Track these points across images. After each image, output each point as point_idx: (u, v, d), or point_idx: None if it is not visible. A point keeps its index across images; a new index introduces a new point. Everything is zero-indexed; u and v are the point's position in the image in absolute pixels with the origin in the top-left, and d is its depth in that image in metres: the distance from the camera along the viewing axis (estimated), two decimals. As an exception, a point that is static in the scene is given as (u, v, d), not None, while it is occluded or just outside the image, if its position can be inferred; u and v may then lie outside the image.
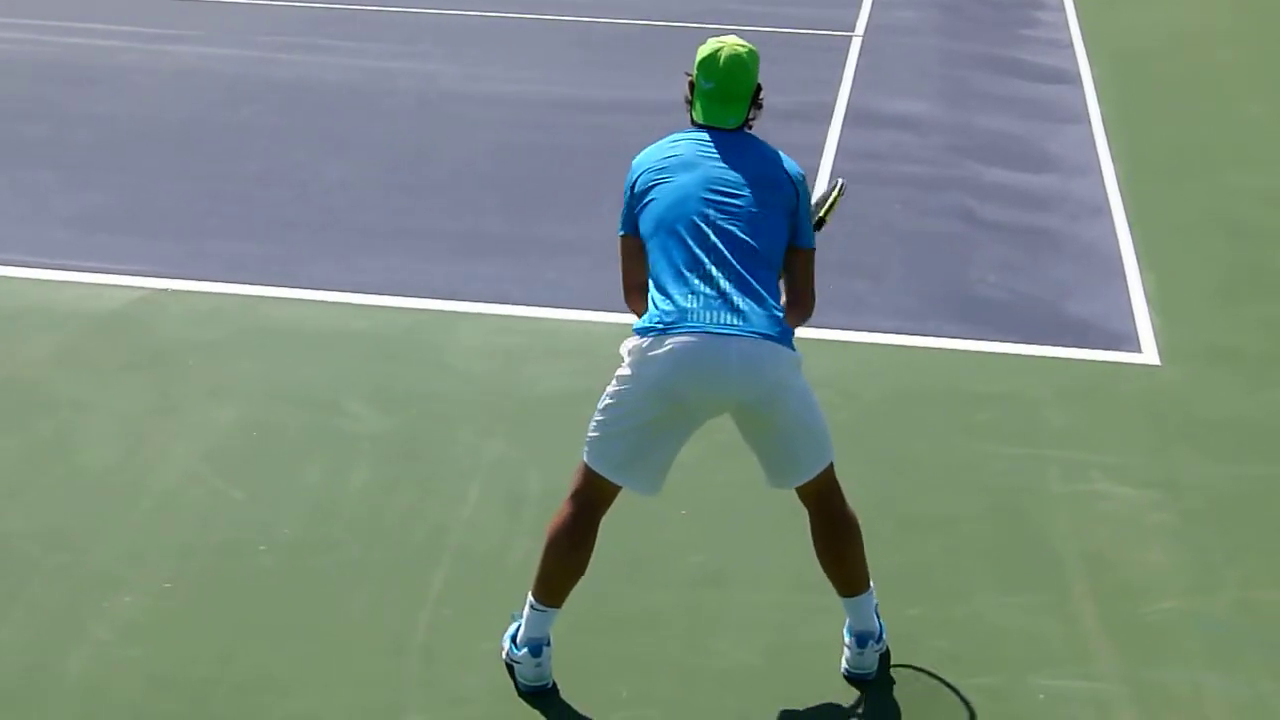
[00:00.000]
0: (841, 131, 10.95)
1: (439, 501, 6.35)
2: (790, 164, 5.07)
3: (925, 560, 5.99)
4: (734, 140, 5.05)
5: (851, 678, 5.27)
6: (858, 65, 12.66)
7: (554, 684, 5.21)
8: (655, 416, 4.91)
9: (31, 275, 8.43)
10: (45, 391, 7.24)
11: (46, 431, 6.86)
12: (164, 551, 5.97)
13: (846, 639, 5.30)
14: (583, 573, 5.12)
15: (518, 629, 5.29)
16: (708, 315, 4.79)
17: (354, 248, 8.93)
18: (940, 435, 6.97)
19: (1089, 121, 11.48)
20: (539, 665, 5.19)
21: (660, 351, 4.81)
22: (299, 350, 7.67)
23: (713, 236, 4.88)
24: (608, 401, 5.00)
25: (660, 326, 4.82)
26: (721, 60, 5.02)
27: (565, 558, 5.09)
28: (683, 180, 4.98)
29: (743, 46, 5.06)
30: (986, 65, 12.84)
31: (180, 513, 6.24)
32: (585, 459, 5.03)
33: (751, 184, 4.95)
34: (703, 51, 5.07)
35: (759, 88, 5.06)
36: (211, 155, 10.37)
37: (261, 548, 5.99)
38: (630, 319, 5.03)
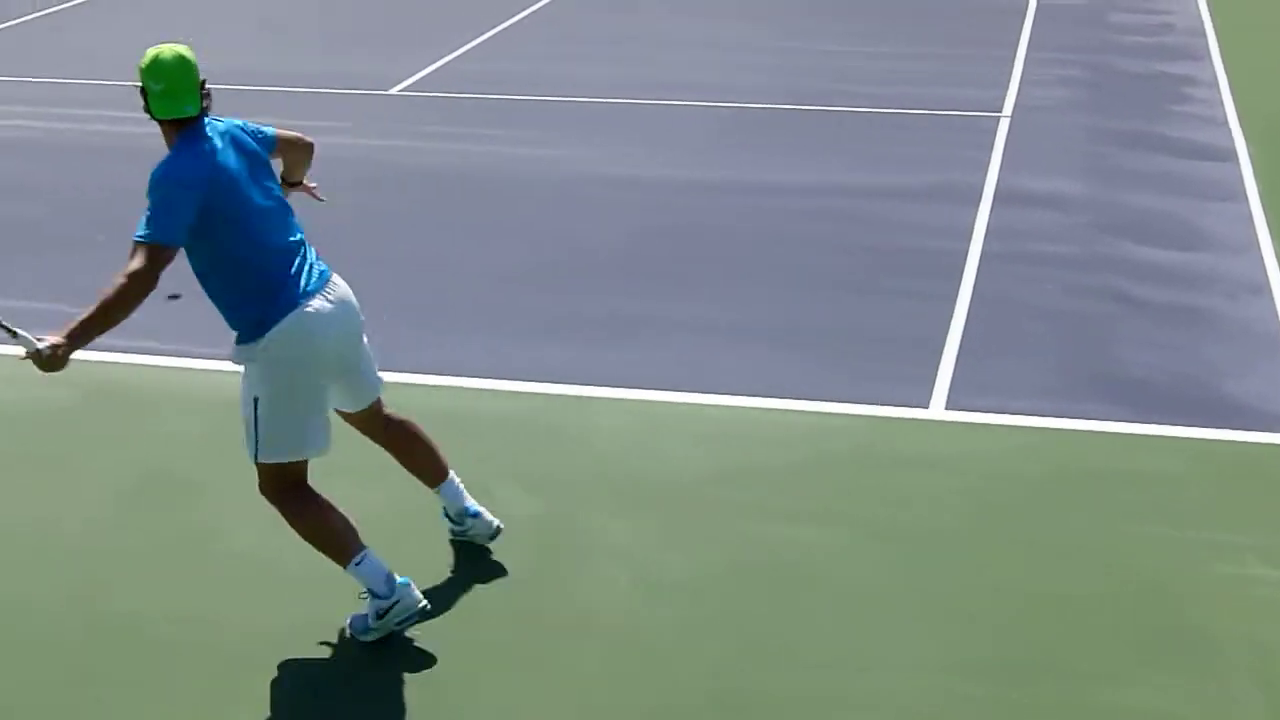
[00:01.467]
0: (991, 212, 10.82)
1: (585, 584, 6.32)
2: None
3: (1075, 641, 5.85)
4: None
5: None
6: (1006, 145, 12.53)
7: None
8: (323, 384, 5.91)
9: (172, 362, 8.57)
10: (187, 476, 7.33)
11: (192, 516, 6.94)
12: (290, 633, 6.01)
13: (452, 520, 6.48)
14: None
15: (379, 608, 5.85)
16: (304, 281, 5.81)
17: (497, 333, 8.96)
18: (1092, 516, 6.82)
19: (1246, 198, 11.25)
20: (408, 591, 5.85)
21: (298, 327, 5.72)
22: (448, 434, 7.66)
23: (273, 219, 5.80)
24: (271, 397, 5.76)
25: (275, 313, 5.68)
26: (167, 61, 5.71)
27: (332, 517, 5.91)
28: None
29: (181, 47, 5.80)
30: (1137, 142, 12.66)
31: (309, 594, 6.24)
32: (271, 459, 5.83)
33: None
34: (144, 62, 5.70)
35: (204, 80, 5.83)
36: (361, 245, 10.48)
37: (416, 632, 6.00)
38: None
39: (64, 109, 14.11)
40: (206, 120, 5.83)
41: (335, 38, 17.25)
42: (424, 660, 5.85)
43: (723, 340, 8.85)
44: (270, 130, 6.20)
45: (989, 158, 12.20)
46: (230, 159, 5.78)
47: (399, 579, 5.88)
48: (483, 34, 16.89)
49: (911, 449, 7.54)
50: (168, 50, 5.77)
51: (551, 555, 6.57)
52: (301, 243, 5.95)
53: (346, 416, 6.32)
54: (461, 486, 6.52)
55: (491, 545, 6.58)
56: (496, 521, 6.54)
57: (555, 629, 6.04)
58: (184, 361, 8.58)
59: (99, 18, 18.57)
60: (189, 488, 7.21)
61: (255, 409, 5.84)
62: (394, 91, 14.57)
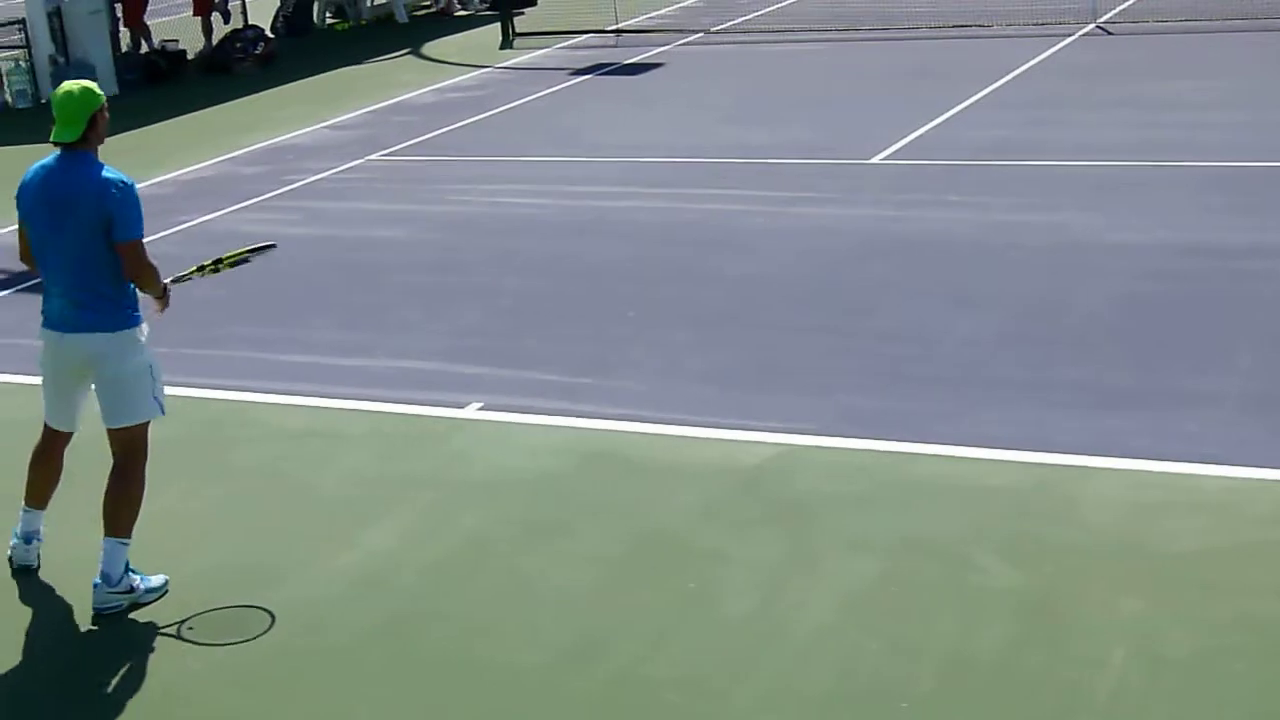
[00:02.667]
0: None
1: (1074, 661, 6.19)
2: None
3: None
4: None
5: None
6: None
7: None
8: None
9: (675, 431, 8.78)
10: (689, 543, 7.50)
11: (690, 581, 7.10)
12: (803, 701, 6.06)
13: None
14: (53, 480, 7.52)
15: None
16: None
17: (983, 402, 8.88)
18: None
19: None
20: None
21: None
22: (931, 504, 7.67)
23: None
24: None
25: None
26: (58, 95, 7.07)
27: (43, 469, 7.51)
28: None
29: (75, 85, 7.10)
30: None
31: (818, 663, 6.32)
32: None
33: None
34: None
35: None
36: (842, 313, 10.57)
37: (903, 704, 5.99)
38: None
39: (551, 185, 14.73)
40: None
41: (812, 112, 17.47)
42: (916, 731, 5.83)
43: (1217, 410, 8.53)
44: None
45: None
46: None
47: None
48: (959, 104, 16.83)
49: None
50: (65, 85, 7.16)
51: (1035, 628, 6.46)
52: None
53: None
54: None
55: (969, 617, 6.52)
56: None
57: (1041, 699, 5.93)
58: (676, 430, 8.79)
59: (581, 101, 19.32)
60: (685, 553, 7.39)
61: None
62: (875, 161, 14.66)
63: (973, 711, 5.91)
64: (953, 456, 8.18)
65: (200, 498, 8.40)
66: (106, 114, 7.14)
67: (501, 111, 18.67)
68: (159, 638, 6.92)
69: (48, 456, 7.54)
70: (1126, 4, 22.01)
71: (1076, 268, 11.04)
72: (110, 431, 7.23)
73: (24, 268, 7.57)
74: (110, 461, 7.27)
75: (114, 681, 6.62)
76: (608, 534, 7.65)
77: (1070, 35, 20.33)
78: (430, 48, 24.21)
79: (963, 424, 8.57)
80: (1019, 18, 21.47)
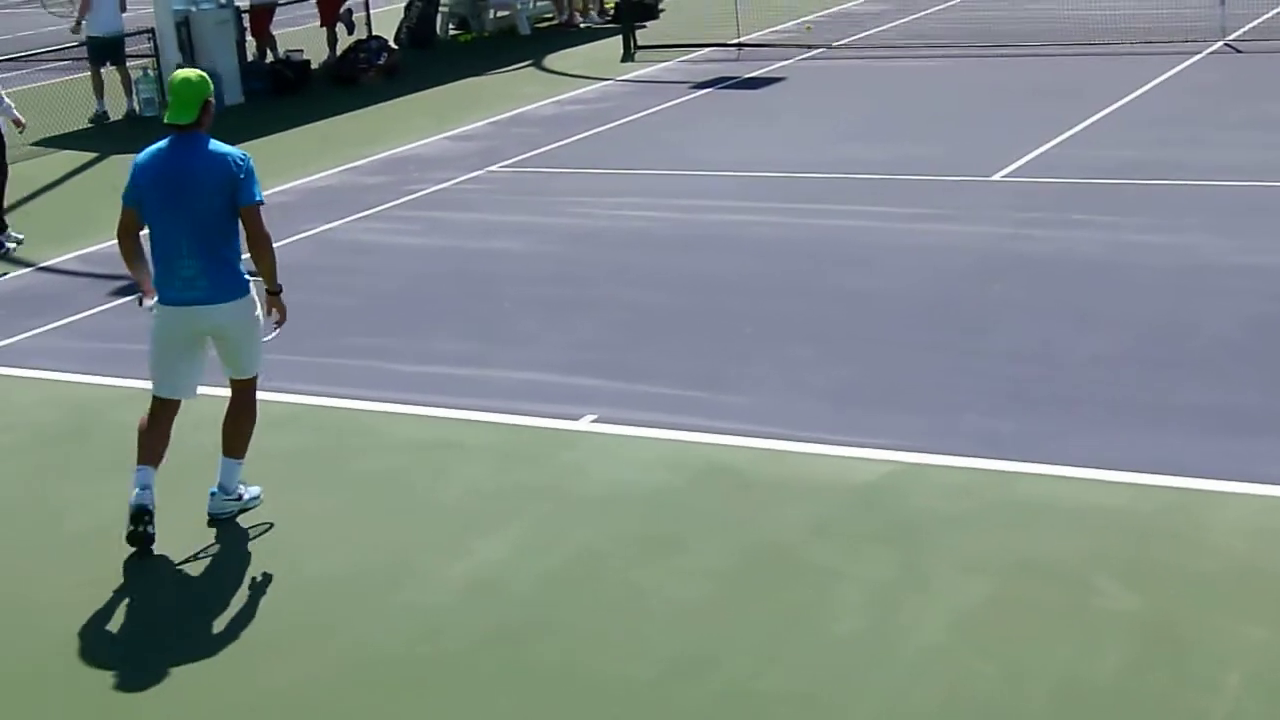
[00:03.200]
0: None
1: (1195, 688, 6.10)
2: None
3: None
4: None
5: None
6: None
7: None
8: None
9: (789, 447, 8.75)
10: (801, 559, 7.48)
11: (802, 597, 7.08)
12: (913, 722, 6.03)
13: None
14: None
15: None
16: None
17: (1105, 423, 8.77)
18: None
19: None
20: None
21: None
22: (1050, 526, 7.58)
23: None
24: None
25: None
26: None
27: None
28: None
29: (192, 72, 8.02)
30: None
31: (929, 684, 6.28)
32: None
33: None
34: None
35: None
36: (961, 331, 10.48)
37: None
38: None
39: (669, 199, 14.74)
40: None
41: (934, 128, 17.36)
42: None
43: (1348, 435, 8.38)
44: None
45: None
46: None
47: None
48: (1083, 121, 16.65)
49: None
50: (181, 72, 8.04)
51: (1153, 653, 6.37)
52: None
53: None
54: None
55: (1086, 638, 6.46)
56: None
57: (1168, 731, 5.86)
58: (790, 445, 8.76)
59: (701, 116, 19.32)
60: (797, 569, 7.36)
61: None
62: (996, 178, 14.54)
63: (1089, 737, 5.84)
64: (1071, 478, 8.08)
65: (321, 505, 8.49)
66: (213, 101, 7.98)
67: (621, 124, 18.72)
68: (283, 637, 7.02)
69: (161, 429, 8.11)
70: (1256, 21, 21.68)
71: (1204, 289, 10.88)
72: (235, 380, 8.21)
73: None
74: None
75: (227, 681, 6.71)
76: (720, 548, 7.63)
77: (1198, 53, 20.06)
78: (552, 60, 24.33)
79: (1083, 445, 8.46)
80: (1145, 34, 21.21)
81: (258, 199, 7.90)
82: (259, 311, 8.12)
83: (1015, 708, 6.07)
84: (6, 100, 15.13)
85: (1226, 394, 9.05)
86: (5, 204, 14.77)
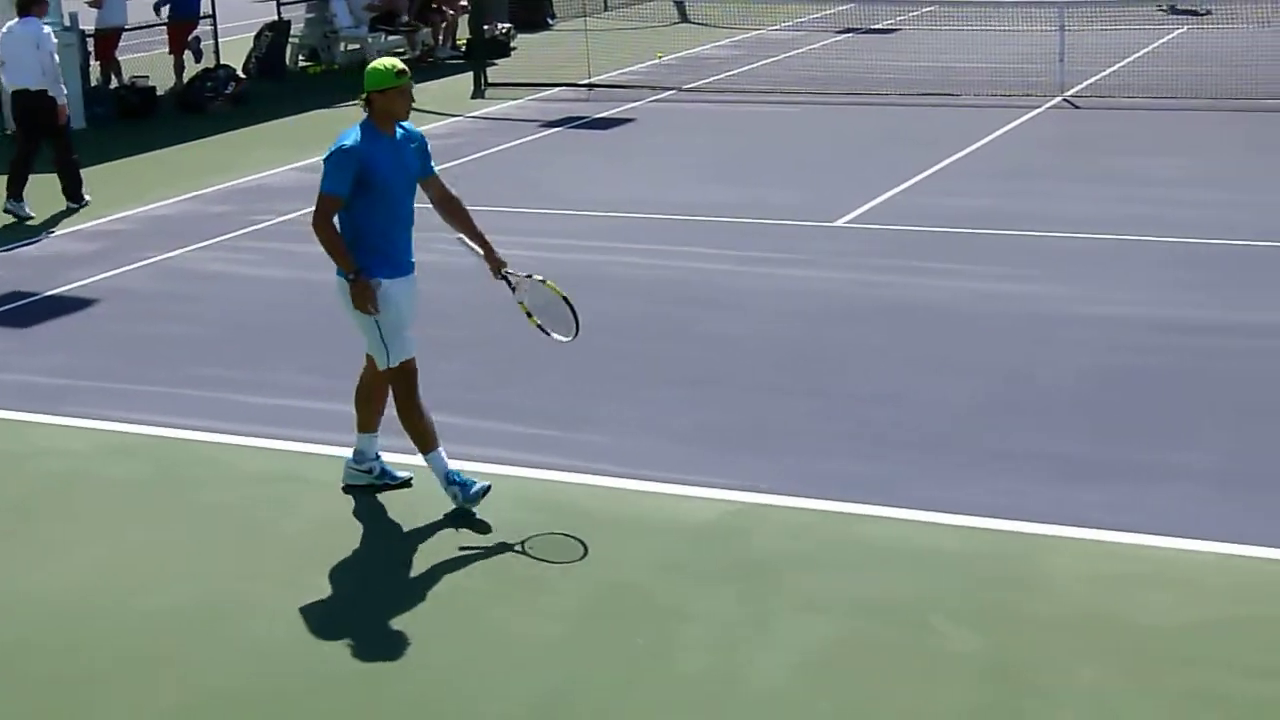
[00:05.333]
0: None
1: (1032, 728, 6.21)
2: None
3: None
4: None
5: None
6: None
7: None
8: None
9: (641, 487, 8.78)
10: (649, 598, 7.50)
11: (649, 637, 7.09)
12: (756, 762, 6.06)
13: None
14: None
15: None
16: None
17: (947, 468, 8.91)
18: None
19: None
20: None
21: None
22: (892, 568, 7.68)
23: None
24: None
25: None
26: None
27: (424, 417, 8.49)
28: None
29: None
30: None
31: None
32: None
33: None
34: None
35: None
36: (812, 375, 10.59)
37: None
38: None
39: (522, 236, 14.72)
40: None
41: (782, 172, 17.56)
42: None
43: (1184, 483, 8.59)
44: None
45: None
46: None
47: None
48: (926, 170, 16.92)
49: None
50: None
51: (992, 695, 6.48)
52: None
53: None
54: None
55: (925, 680, 6.54)
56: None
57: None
58: (645, 485, 8.79)
59: (553, 154, 19.36)
60: (645, 609, 7.38)
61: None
62: (839, 223, 14.72)
63: (929, 777, 5.91)
64: (915, 521, 8.20)
65: (162, 536, 8.37)
66: (384, 95, 8.34)
67: (472, 160, 18.68)
68: (118, 670, 6.89)
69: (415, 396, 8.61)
70: (1093, 79, 22.22)
71: (1048, 339, 11.10)
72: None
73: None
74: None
75: (57, 716, 6.57)
76: (570, 587, 7.64)
77: (1038, 107, 20.50)
78: (402, 94, 24.22)
79: (928, 489, 8.59)
80: (987, 88, 21.65)
81: (321, 189, 8.23)
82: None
83: (857, 748, 6.13)
84: None
85: (1064, 442, 9.24)
86: None
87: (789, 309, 12.10)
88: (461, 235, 8.65)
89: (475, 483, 8.40)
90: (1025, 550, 7.84)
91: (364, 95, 8.36)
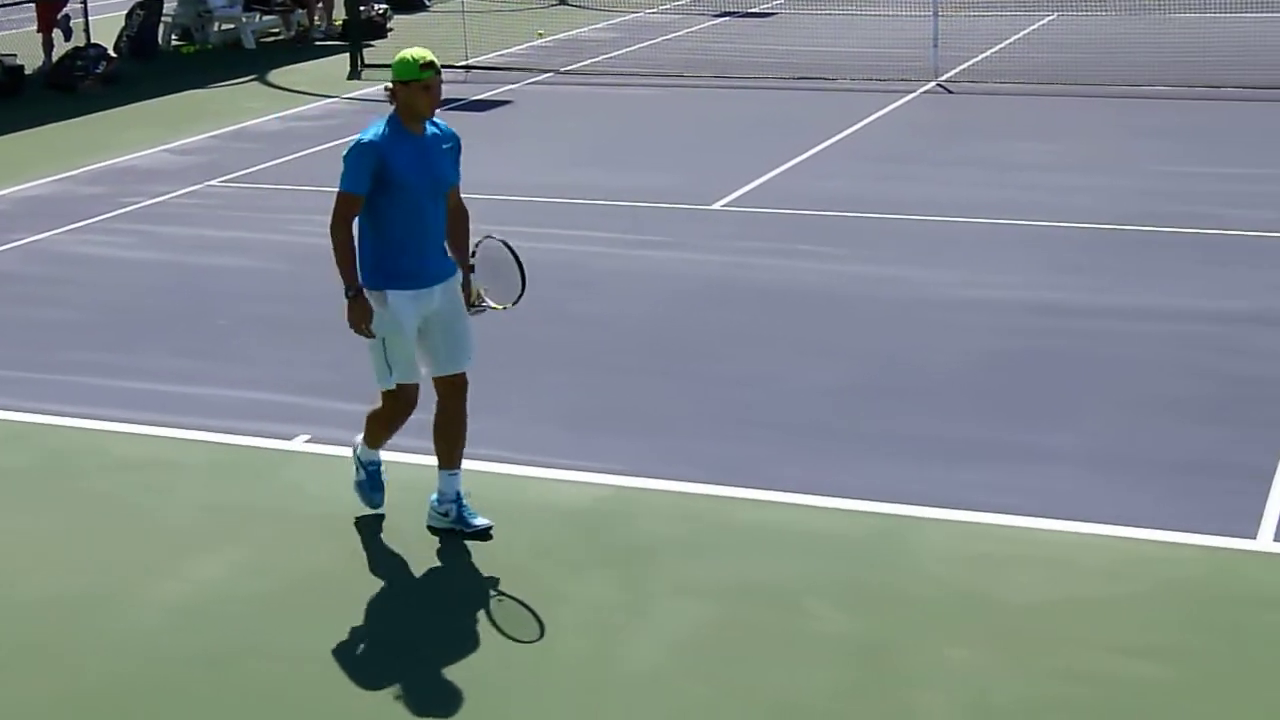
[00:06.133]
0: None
1: (902, 708, 6.28)
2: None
3: None
4: None
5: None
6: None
7: None
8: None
9: (513, 470, 8.78)
10: (524, 582, 7.50)
11: (524, 620, 7.09)
12: (632, 745, 6.09)
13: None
14: None
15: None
16: None
17: (824, 450, 8.99)
18: None
19: None
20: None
21: None
22: (767, 550, 7.74)
23: None
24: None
25: None
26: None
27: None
28: None
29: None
30: None
31: (647, 707, 6.35)
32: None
33: None
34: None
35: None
36: (688, 357, 10.63)
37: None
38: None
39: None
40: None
41: (658, 156, 17.58)
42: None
43: (1057, 465, 8.72)
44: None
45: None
46: None
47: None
48: (801, 154, 17.00)
49: (1244, 583, 7.34)
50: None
51: (865, 675, 6.55)
52: None
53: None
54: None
55: (800, 661, 6.62)
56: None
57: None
58: (514, 469, 8.79)
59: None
60: (519, 593, 7.39)
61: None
62: (716, 207, 14.77)
63: (802, 757, 5.97)
64: (792, 504, 8.26)
65: (34, 524, 8.26)
66: (405, 88, 7.66)
67: (348, 141, 18.51)
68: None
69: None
70: (967, 64, 22.43)
71: (921, 322, 11.21)
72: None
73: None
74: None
75: None
76: (441, 572, 7.62)
77: (912, 92, 20.66)
78: (277, 75, 23.99)
79: (805, 472, 8.66)
80: (862, 72, 21.79)
81: (338, 187, 7.66)
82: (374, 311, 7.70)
83: (732, 729, 6.17)
84: None
85: (940, 424, 9.34)
86: None
87: (665, 292, 12.13)
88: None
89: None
90: (900, 532, 7.92)
91: (389, 85, 7.75)
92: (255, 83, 23.54)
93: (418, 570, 7.64)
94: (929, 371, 10.24)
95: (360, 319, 7.59)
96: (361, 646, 6.92)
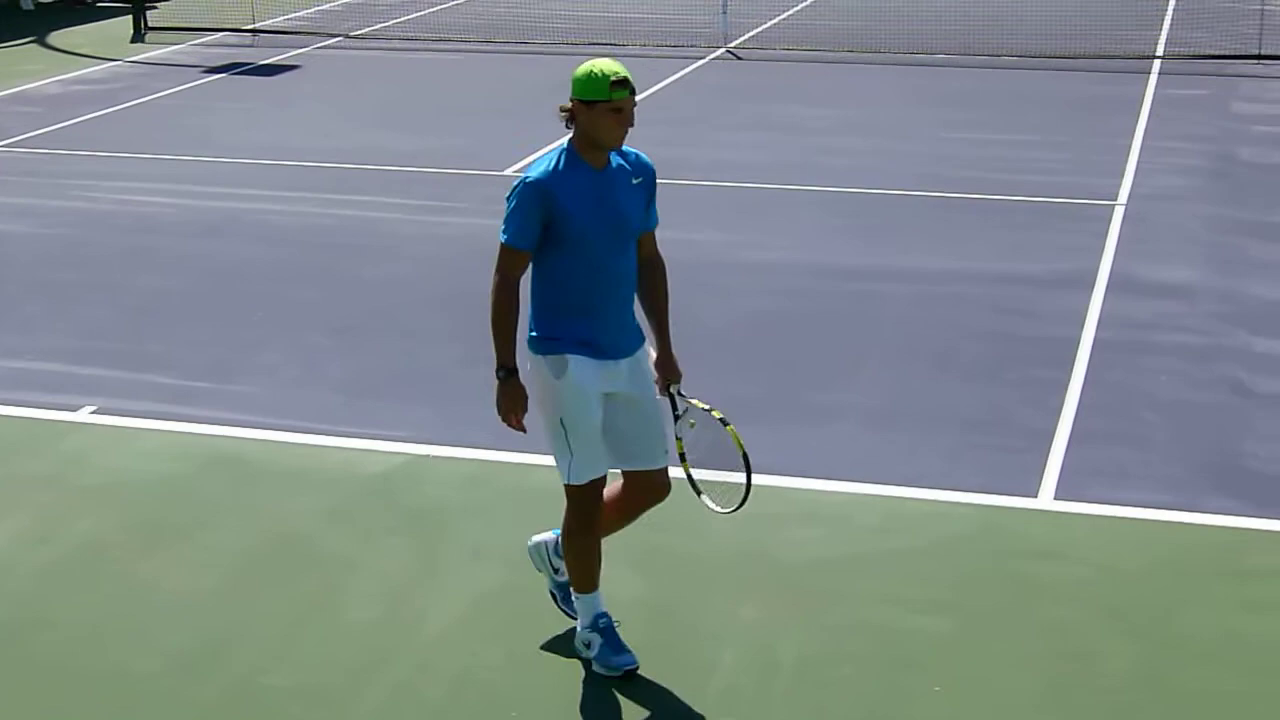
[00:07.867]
0: (1104, 300, 10.78)
1: (693, 668, 6.35)
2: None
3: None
4: None
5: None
6: (1121, 233, 12.48)
7: None
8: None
9: (301, 439, 8.69)
10: (314, 549, 7.44)
11: (314, 589, 7.04)
12: (422, 710, 6.08)
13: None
14: None
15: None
16: None
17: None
18: (1208, 610, 6.76)
19: (1375, 289, 11.12)
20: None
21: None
22: (543, 511, 7.73)
23: None
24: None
25: None
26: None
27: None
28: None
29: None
30: (1260, 232, 12.57)
31: (439, 672, 6.34)
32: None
33: None
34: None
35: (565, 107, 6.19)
36: (472, 322, 10.56)
37: (513, 714, 6.06)
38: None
39: (184, 184, 14.38)
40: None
41: (450, 121, 17.49)
42: (536, 738, 5.90)
43: (836, 425, 8.87)
44: None
45: (1104, 246, 12.16)
46: None
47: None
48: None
49: (1021, 539, 7.52)
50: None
51: (653, 635, 6.60)
52: None
53: None
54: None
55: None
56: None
57: (655, 704, 6.07)
58: (301, 437, 8.71)
59: (215, 101, 18.95)
60: (310, 560, 7.32)
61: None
62: (507, 172, 14.72)
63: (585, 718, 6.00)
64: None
65: None
66: (588, 110, 6.23)
67: (131, 106, 18.16)
68: None
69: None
70: (756, 30, 22.63)
71: (706, 284, 11.29)
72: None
73: None
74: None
75: None
76: (228, 539, 7.53)
77: (703, 58, 20.80)
78: (56, 37, 23.38)
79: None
80: (653, 38, 21.87)
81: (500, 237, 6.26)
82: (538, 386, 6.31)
83: (521, 695, 6.19)
84: None
85: (722, 385, 9.35)
86: None
87: (447, 255, 12.08)
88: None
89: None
90: (680, 493, 7.97)
91: (566, 106, 6.27)
92: (34, 45, 22.93)
93: (200, 539, 7.53)
94: (711, 333, 10.29)
95: (512, 406, 6.31)
96: (133, 615, 6.80)
